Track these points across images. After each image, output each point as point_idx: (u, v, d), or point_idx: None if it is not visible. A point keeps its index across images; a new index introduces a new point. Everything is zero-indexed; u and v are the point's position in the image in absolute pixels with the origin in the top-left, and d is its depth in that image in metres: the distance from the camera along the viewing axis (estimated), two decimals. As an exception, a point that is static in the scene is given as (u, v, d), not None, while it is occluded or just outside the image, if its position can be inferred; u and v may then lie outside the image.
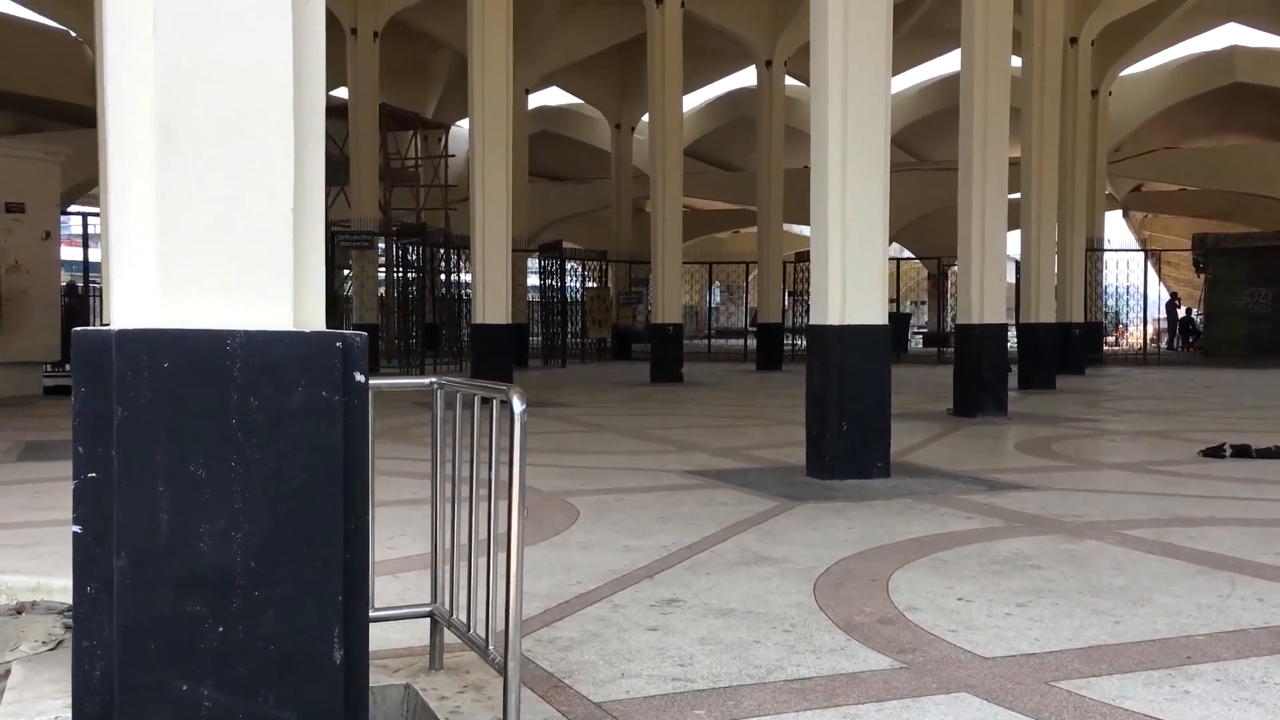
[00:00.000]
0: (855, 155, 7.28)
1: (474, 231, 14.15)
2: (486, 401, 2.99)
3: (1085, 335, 24.63)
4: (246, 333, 2.28)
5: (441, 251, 22.31)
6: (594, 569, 4.76)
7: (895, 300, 30.29)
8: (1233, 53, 27.74)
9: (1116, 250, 26.91)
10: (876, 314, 7.38)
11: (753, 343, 28.97)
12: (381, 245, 22.47)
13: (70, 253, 21.02)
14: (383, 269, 23.50)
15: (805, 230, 32.84)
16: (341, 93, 21.24)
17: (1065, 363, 20.66)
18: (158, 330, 2.23)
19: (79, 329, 2.24)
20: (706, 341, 33.88)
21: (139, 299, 2.26)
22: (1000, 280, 12.10)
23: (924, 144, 34.36)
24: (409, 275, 21.37)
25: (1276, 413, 13.05)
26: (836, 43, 7.29)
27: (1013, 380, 14.03)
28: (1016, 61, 18.81)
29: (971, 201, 11.99)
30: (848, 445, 7.30)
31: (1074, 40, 20.75)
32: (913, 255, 37.43)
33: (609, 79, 28.03)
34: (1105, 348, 31.14)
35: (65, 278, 18.61)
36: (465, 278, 26.75)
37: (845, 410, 7.30)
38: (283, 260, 2.34)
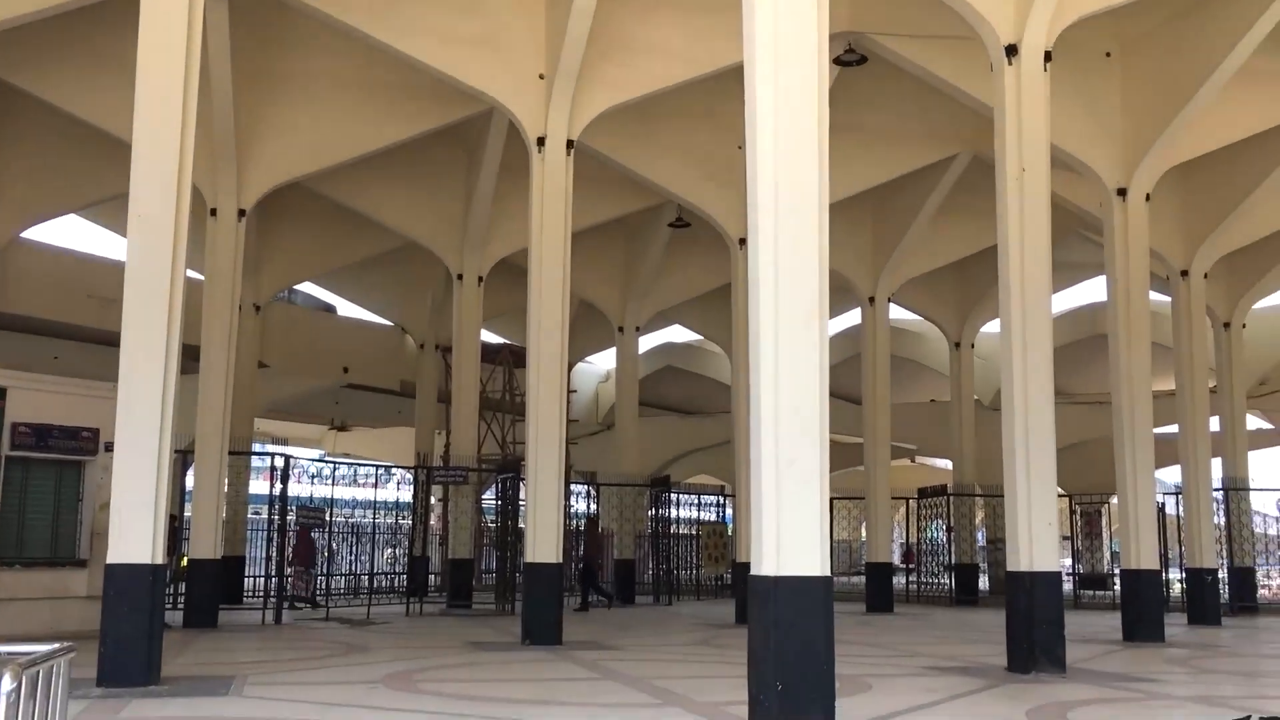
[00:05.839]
0: (787, 391, 7.10)
1: (528, 470, 14.32)
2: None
3: (1234, 581, 22.78)
4: None
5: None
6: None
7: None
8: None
9: (1261, 490, 25.01)
10: (815, 564, 6.99)
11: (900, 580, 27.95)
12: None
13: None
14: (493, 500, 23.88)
15: (942, 463, 31.61)
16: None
17: (1200, 612, 19.06)
18: None
19: None
20: (850, 579, 32.80)
21: None
22: (1047, 523, 11.35)
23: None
24: (508, 509, 21.59)
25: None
26: (768, 294, 7.27)
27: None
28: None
29: (1015, 439, 11.47)
30: (784, 707, 6.79)
31: (1185, 273, 20.09)
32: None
33: (723, 316, 28.51)
34: (1269, 594, 28.61)
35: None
36: (579, 509, 26.97)
37: (781, 668, 6.84)
38: None
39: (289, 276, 24.33)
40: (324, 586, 20.27)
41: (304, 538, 19.94)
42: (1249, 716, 7.69)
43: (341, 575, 23.37)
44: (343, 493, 23.38)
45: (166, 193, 9.81)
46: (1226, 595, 21.74)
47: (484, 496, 27.03)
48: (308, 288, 28.26)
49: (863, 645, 14.31)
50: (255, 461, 22.42)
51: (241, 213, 16.82)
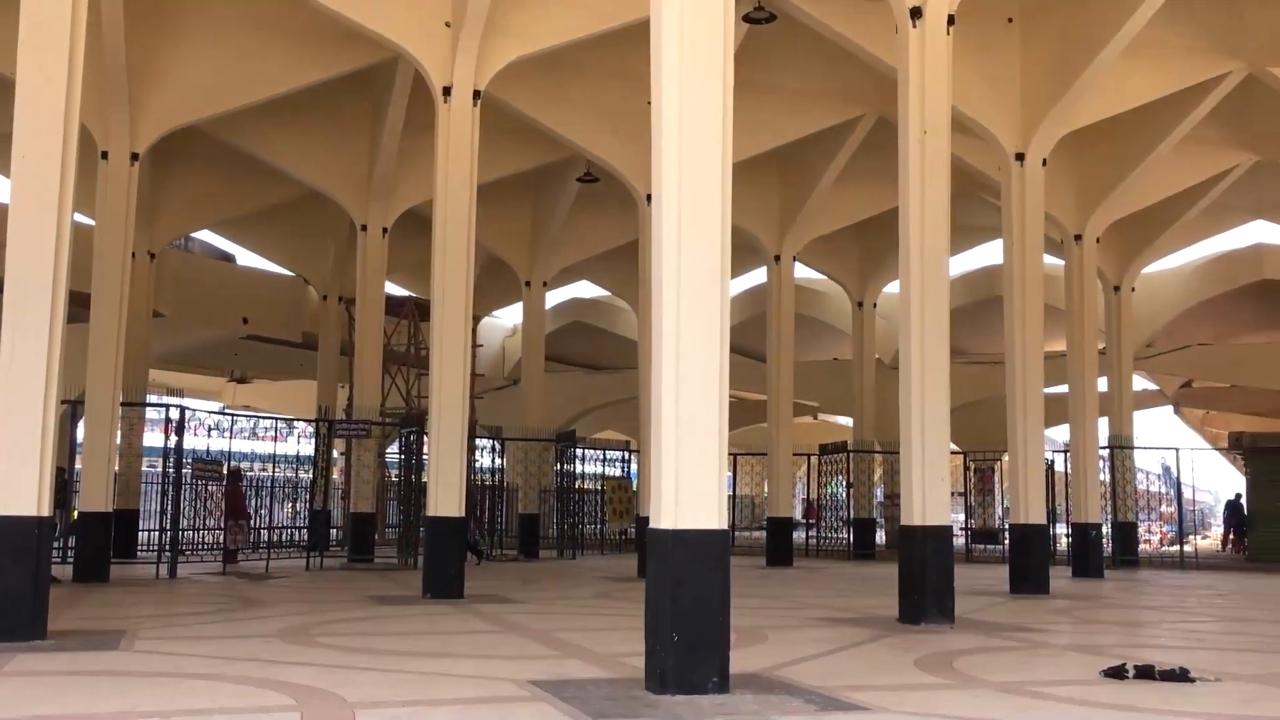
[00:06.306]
0: (689, 347, 7.15)
1: (431, 424, 14.24)
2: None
3: (1118, 536, 23.67)
4: None
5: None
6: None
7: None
8: (1259, 250, 27.33)
9: (1143, 448, 25.97)
10: (712, 518, 7.08)
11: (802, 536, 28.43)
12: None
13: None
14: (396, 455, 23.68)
15: (843, 420, 32.07)
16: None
17: (1084, 565, 19.77)
18: None
19: None
20: (752, 534, 33.33)
21: None
22: (940, 479, 11.67)
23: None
24: (412, 463, 21.44)
25: (1258, 628, 12.17)
26: (671, 250, 7.29)
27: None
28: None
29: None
30: (680, 658, 6.90)
31: (1078, 237, 20.65)
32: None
33: (630, 272, 28.57)
34: (1150, 549, 29.82)
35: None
36: (484, 464, 26.92)
37: (678, 621, 6.94)
38: None
39: (186, 224, 23.69)
40: (222, 541, 19.90)
41: (234, 491, 19.70)
42: (1124, 664, 8.05)
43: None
44: (242, 446, 22.98)
45: (53, 133, 9.45)
46: (1109, 549, 22.60)
47: (388, 450, 26.82)
48: (206, 236, 27.55)
49: (761, 598, 14.59)
50: (151, 413, 21.91)
51: (134, 156, 16.27)
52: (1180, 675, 7.78)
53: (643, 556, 18.63)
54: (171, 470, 17.40)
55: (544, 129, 18.94)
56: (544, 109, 18.57)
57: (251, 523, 20.47)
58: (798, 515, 33.75)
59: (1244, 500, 29.60)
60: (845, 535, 27.63)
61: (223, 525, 19.46)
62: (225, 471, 19.96)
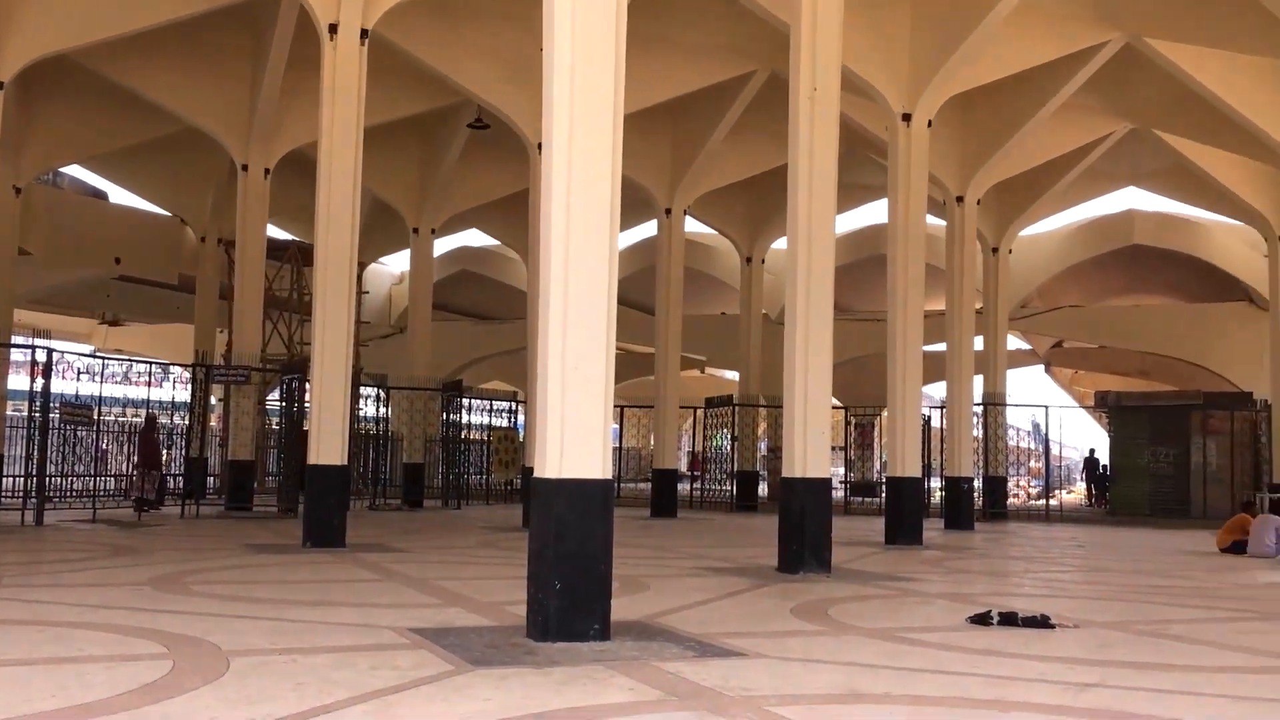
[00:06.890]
0: (577, 298, 7.14)
1: (313, 371, 13.97)
2: None
3: (988, 489, 24.53)
4: None
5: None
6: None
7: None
8: (1130, 216, 28.44)
9: (1015, 405, 26.91)
10: (596, 468, 7.13)
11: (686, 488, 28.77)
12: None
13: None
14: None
15: (730, 375, 32.50)
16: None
17: (956, 517, 20.44)
18: None
19: None
20: (637, 485, 33.58)
21: None
22: (820, 433, 11.92)
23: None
24: (294, 410, 21.02)
25: (1114, 578, 12.78)
26: (560, 199, 7.25)
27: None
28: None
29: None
30: (562, 606, 6.96)
31: (960, 199, 21.14)
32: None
33: (521, 221, 28.35)
34: (1019, 502, 31.02)
35: None
36: (369, 413, 26.54)
37: (560, 569, 6.99)
38: None
39: (54, 158, 22.68)
40: (92, 488, 19.30)
41: (146, 439, 19.15)
42: (989, 611, 8.38)
43: (111, 476, 22.31)
44: (114, 390, 22.21)
45: (-93, 56, 8.92)
46: (980, 502, 23.42)
47: (268, 398, 26.24)
48: (76, 171, 26.41)
49: (644, 548, 14.76)
50: (16, 355, 21.03)
51: (-2, 85, 15.47)
52: (1041, 622, 8.13)
53: (528, 507, 18.62)
54: (38, 414, 16.72)
55: (434, 72, 18.59)
56: (435, 51, 18.23)
57: (164, 473, 20.03)
58: (683, 467, 34.23)
59: (1098, 456, 30.96)
60: (729, 487, 28.06)
61: (134, 473, 19.06)
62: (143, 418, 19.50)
